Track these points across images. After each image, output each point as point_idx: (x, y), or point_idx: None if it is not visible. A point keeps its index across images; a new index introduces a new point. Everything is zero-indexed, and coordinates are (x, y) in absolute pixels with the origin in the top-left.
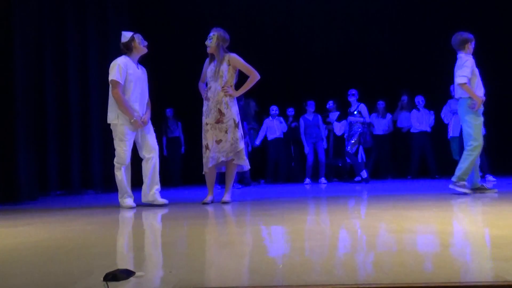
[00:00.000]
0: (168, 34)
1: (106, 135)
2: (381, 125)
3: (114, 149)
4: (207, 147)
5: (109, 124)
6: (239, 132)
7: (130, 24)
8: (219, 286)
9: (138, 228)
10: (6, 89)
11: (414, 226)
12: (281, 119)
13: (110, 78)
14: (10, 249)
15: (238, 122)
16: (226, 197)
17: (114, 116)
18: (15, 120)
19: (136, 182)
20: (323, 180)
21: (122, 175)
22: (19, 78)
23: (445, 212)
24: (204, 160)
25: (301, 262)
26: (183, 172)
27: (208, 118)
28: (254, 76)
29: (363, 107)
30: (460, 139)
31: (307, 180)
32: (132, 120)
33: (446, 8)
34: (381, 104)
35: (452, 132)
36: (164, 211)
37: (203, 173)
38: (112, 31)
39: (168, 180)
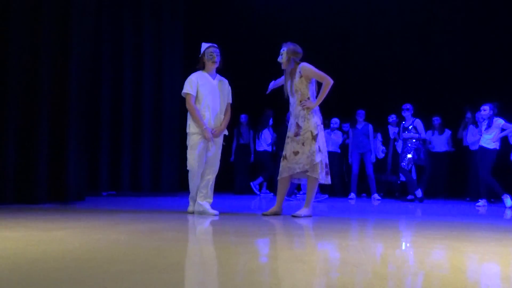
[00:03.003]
0: (242, 40)
1: (156, 138)
2: (439, 142)
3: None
4: (284, 157)
5: (164, 129)
6: (316, 145)
7: (185, 29)
8: None
9: (172, 242)
10: (62, 90)
11: (469, 264)
12: (340, 133)
13: (182, 92)
14: (34, 258)
15: (317, 134)
16: (301, 211)
17: (187, 126)
18: (68, 120)
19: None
20: (376, 196)
21: (192, 182)
22: (74, 81)
23: (505, 248)
24: (280, 169)
25: None
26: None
27: (289, 132)
28: (327, 82)
29: (418, 123)
30: None
31: (352, 195)
32: (203, 128)
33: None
34: (436, 120)
35: None
36: (210, 222)
37: (278, 179)
38: (166, 35)
39: (234, 187)
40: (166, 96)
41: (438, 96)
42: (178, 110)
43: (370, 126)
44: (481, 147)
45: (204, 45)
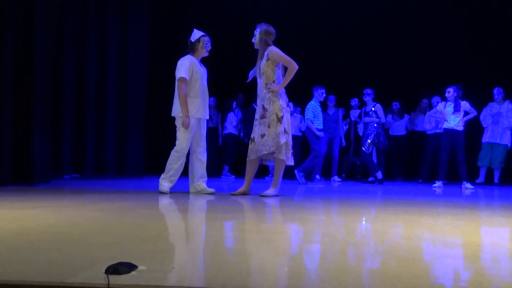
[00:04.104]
0: (210, 24)
1: (121, 121)
2: (398, 126)
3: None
4: (252, 140)
5: (129, 112)
6: (282, 127)
7: (152, 11)
8: (221, 286)
9: (149, 218)
10: (26, 71)
11: (427, 234)
12: (301, 116)
13: (178, 75)
14: (16, 233)
15: (282, 116)
16: (269, 191)
17: (180, 110)
18: (33, 102)
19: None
20: (336, 178)
21: (179, 163)
22: (38, 61)
23: (459, 221)
24: (248, 151)
25: (300, 268)
26: (219, 164)
27: (256, 115)
28: (292, 67)
29: (378, 107)
30: (504, 147)
31: (318, 177)
32: (186, 114)
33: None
34: (396, 105)
35: (489, 138)
36: (181, 201)
37: (246, 160)
38: (132, 18)
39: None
40: (131, 78)
41: (398, 82)
42: (143, 93)
43: (341, 112)
44: (452, 130)
45: (199, 32)
